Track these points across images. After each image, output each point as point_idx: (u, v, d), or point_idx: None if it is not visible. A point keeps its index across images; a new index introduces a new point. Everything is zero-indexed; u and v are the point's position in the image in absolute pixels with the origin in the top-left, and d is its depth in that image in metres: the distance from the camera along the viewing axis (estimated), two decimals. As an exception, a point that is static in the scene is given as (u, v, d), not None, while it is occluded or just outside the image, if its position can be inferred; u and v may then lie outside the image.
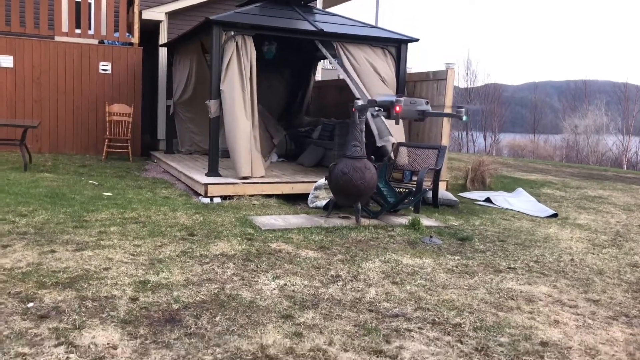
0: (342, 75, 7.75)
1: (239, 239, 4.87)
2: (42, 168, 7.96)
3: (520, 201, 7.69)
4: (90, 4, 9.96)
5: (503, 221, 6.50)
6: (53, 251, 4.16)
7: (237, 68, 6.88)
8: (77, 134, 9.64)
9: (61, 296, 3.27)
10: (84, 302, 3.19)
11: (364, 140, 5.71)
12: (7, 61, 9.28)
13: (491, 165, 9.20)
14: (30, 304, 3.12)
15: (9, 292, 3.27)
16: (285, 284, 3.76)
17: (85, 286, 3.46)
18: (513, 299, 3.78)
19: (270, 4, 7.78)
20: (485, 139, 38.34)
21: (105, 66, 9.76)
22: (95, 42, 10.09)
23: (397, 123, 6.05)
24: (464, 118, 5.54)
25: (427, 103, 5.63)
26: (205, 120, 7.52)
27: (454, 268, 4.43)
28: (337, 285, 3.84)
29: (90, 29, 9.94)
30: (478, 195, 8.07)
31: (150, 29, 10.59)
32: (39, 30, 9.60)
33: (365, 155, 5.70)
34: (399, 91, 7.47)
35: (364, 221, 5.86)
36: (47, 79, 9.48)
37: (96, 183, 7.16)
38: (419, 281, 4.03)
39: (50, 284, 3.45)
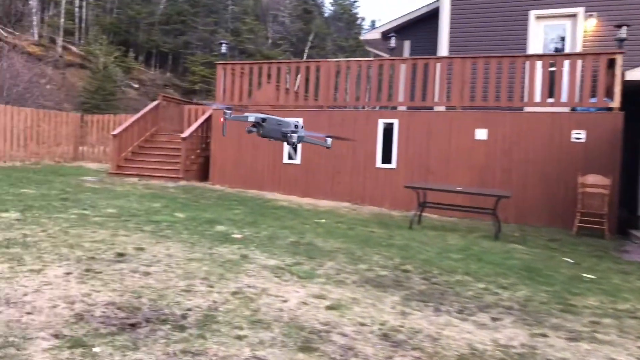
0: None
1: None
2: (511, 238, 7.80)
3: None
4: (562, 71, 9.61)
5: None
6: (544, 335, 3.62)
7: None
8: (544, 205, 9.22)
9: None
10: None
11: None
12: (482, 134, 9.83)
13: None
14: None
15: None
16: None
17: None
18: None
19: None
20: None
21: (578, 134, 9.09)
22: (566, 110, 9.62)
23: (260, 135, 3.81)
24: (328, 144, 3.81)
25: (296, 126, 3.38)
26: None
27: None
28: None
29: (562, 97, 9.54)
30: None
31: (632, 90, 9.34)
32: (512, 102, 9.83)
33: None
34: None
35: None
36: (517, 150, 9.52)
37: (571, 261, 6.40)
38: None
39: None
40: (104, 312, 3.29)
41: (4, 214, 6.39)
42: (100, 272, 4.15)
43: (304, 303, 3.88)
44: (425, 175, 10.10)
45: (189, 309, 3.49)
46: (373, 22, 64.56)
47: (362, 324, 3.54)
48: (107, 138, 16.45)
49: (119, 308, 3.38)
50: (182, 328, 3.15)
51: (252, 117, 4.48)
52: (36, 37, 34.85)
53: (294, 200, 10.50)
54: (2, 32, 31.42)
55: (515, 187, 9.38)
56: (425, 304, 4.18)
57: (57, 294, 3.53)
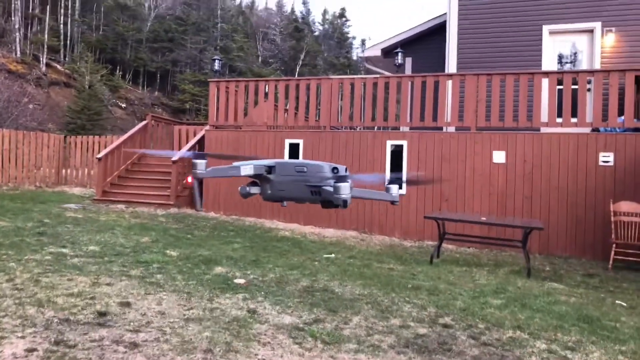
0: None
1: None
2: (543, 274, 6.99)
3: None
4: (585, 88, 8.92)
5: None
6: None
7: None
8: (570, 234, 8.44)
9: None
10: None
11: None
12: (499, 157, 9.08)
13: None
14: None
15: None
16: None
17: None
18: None
19: None
20: None
21: (606, 157, 8.37)
22: (588, 130, 8.93)
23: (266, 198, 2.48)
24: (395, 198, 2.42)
25: (337, 172, 2.25)
26: None
27: None
28: None
29: (587, 116, 8.84)
30: None
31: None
32: (532, 122, 9.11)
33: None
34: None
35: None
36: (539, 173, 8.77)
37: (625, 305, 5.58)
38: None
39: None
40: (74, 420, 2.38)
41: (-34, 257, 5.44)
42: (74, 346, 3.23)
43: (340, 387, 3.00)
44: (439, 202, 9.29)
45: (192, 408, 2.60)
46: (363, 40, 64.55)
47: (423, 423, 2.67)
48: (92, 160, 15.48)
49: (96, 411, 2.48)
50: None
51: (247, 168, 2.26)
52: (18, 55, 33.88)
53: (296, 229, 9.62)
54: (-17, 49, 30.40)
55: (538, 214, 8.61)
56: (487, 380, 3.32)
57: (12, 390, 2.62)
